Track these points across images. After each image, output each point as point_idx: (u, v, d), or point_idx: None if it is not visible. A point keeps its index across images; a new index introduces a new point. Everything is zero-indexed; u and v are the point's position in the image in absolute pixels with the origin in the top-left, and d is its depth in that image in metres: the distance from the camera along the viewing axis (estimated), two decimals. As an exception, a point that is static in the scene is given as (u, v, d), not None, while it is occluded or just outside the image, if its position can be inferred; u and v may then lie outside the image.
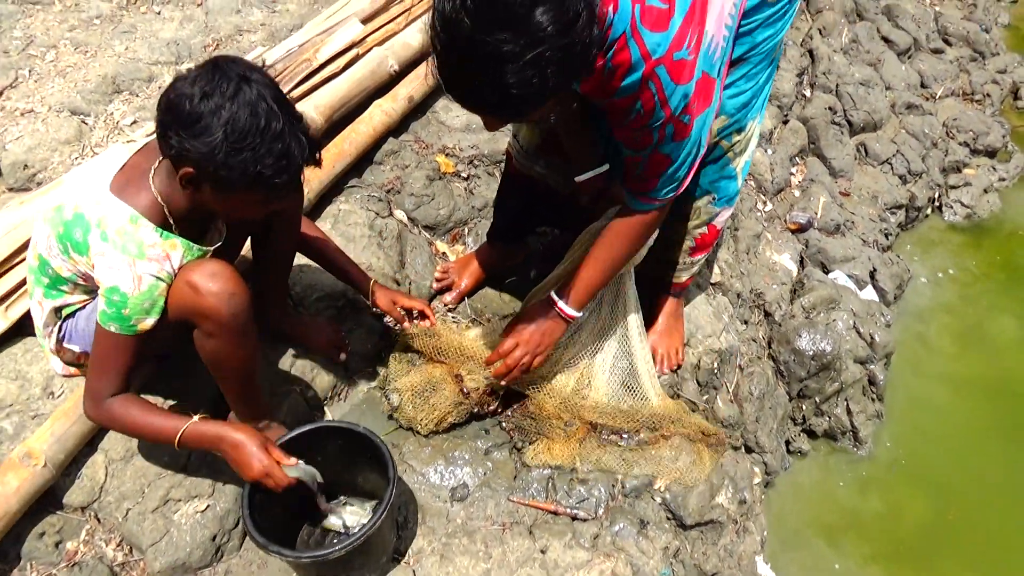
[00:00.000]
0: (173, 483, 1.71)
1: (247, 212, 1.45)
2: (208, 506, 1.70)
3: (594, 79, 1.38)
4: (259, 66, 1.38)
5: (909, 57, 4.07)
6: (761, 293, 2.68)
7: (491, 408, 1.97)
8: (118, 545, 1.68)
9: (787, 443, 2.62)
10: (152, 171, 1.45)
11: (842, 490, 2.58)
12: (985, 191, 3.64)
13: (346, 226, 2.26)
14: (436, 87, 2.71)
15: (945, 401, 2.85)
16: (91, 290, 1.55)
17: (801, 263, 2.91)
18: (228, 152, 1.29)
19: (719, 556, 2.00)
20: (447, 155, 2.58)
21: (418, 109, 2.68)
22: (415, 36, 2.72)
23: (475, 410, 1.95)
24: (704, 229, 2.03)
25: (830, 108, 3.45)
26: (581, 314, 1.79)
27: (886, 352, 2.75)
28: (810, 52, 3.63)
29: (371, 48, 2.65)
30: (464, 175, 2.57)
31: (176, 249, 1.45)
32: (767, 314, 2.66)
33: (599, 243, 1.72)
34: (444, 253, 2.41)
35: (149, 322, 1.44)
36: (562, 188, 2.05)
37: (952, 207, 3.60)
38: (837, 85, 3.57)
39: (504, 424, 1.96)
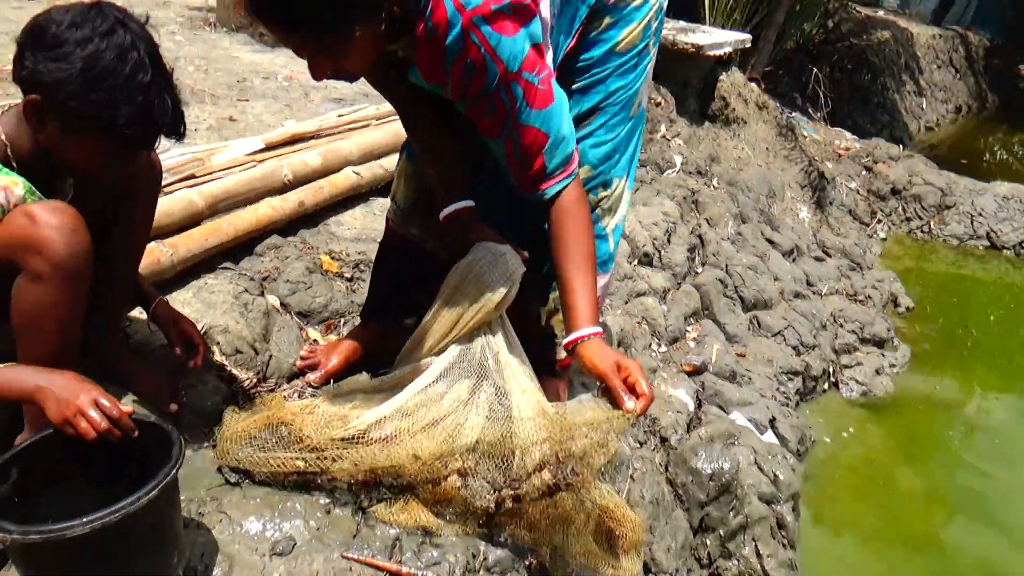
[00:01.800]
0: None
1: (91, 163, 1.35)
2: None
3: (423, 51, 1.44)
4: (142, 20, 1.37)
5: (793, 259, 4.37)
6: (656, 419, 2.53)
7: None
8: None
9: (692, 585, 2.30)
10: (1, 112, 1.37)
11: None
12: (877, 372, 3.71)
13: (208, 294, 2.11)
14: (329, 199, 2.74)
15: (856, 555, 2.63)
16: None
17: (698, 403, 2.80)
18: (82, 86, 1.23)
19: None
20: (332, 257, 2.52)
21: (309, 218, 2.66)
22: (315, 158, 2.80)
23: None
24: (580, 298, 1.96)
25: (720, 281, 3.59)
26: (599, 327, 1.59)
27: (791, 493, 2.56)
28: (699, 237, 3.86)
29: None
30: (348, 276, 2.49)
31: (17, 186, 1.31)
32: (663, 439, 2.49)
33: (558, 254, 1.61)
34: (315, 340, 2.24)
35: None
36: (439, 252, 2.00)
37: (848, 383, 3.63)
38: (726, 265, 3.76)
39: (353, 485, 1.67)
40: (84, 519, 1.08)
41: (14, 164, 1.35)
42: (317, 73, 1.43)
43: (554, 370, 2.05)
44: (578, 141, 1.78)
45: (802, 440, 2.96)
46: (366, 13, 1.31)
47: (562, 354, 2.03)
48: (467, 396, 1.79)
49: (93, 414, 1.23)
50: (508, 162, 1.58)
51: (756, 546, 2.37)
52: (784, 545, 2.45)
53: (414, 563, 1.52)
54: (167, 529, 1.26)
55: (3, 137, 1.35)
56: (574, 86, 1.79)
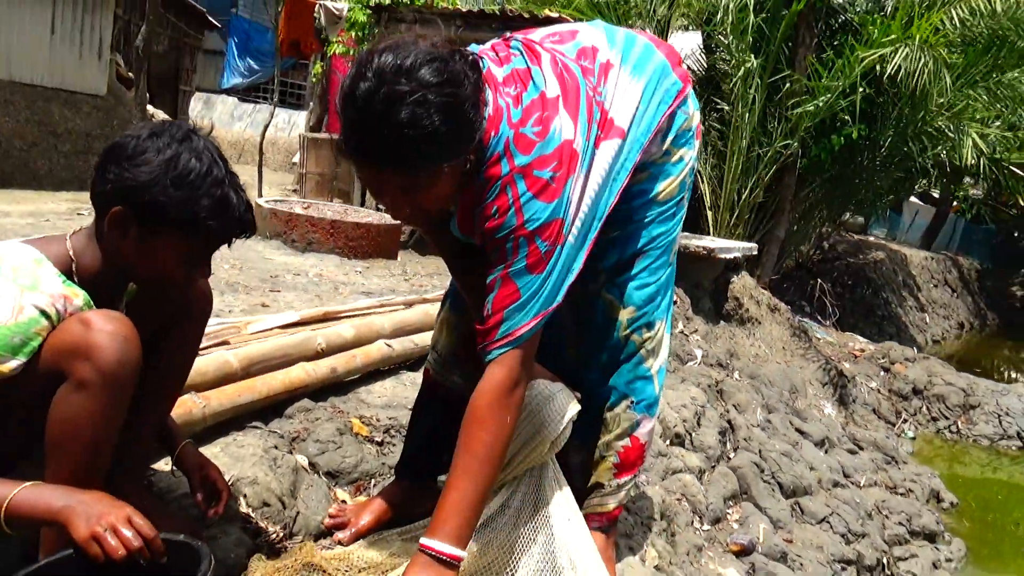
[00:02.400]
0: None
1: (170, 268, 1.39)
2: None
3: (468, 196, 1.55)
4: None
5: (825, 450, 4.23)
6: (708, 598, 2.31)
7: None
8: None
9: None
10: (71, 232, 1.43)
11: None
12: (935, 566, 3.44)
13: (237, 448, 2.04)
14: (361, 368, 2.74)
15: None
16: None
17: (750, 586, 2.58)
18: (166, 184, 1.31)
19: None
20: (363, 421, 2.46)
21: (340, 387, 2.64)
22: (348, 330, 2.83)
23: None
24: (626, 441, 1.90)
25: (756, 465, 3.45)
26: (463, 552, 1.44)
27: None
28: (729, 422, 3.78)
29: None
30: (378, 440, 2.41)
31: (77, 298, 1.35)
32: (718, 619, 2.25)
33: (457, 450, 1.51)
34: (344, 500, 2.12)
35: (11, 365, 1.24)
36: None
37: (905, 578, 3.35)
38: (760, 451, 3.64)
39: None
40: None
41: (76, 279, 1.38)
42: (399, 212, 1.53)
43: (601, 524, 1.91)
44: (623, 283, 1.84)
45: (867, 634, 2.67)
46: (456, 152, 1.41)
47: (610, 506, 1.92)
48: (517, 545, 1.67)
49: (126, 531, 1.15)
50: (486, 294, 1.57)
51: None
52: None
53: None
54: None
55: (71, 253, 1.39)
56: (616, 233, 1.86)
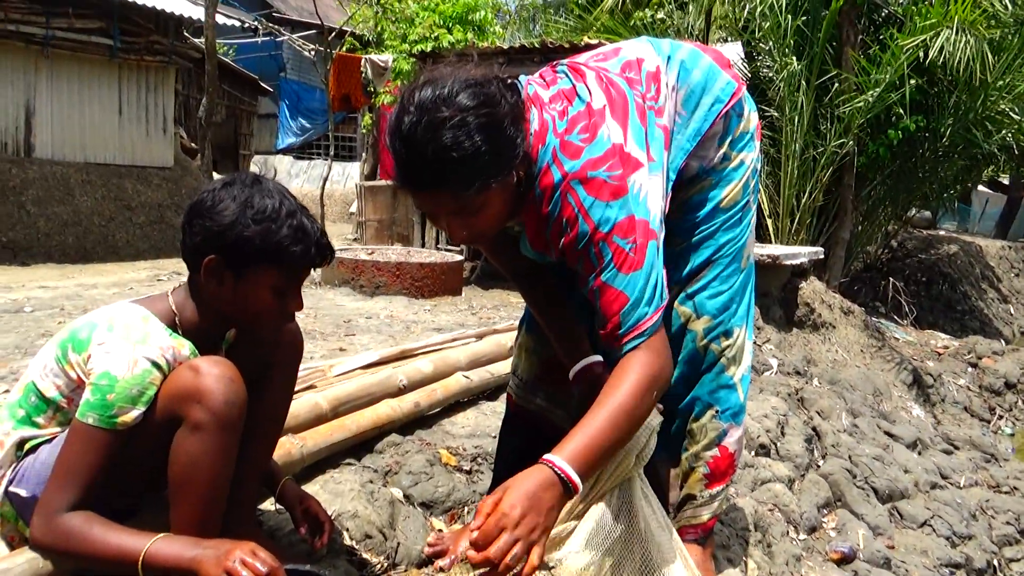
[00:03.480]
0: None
1: (260, 301, 1.47)
2: None
3: (531, 217, 1.60)
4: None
5: (919, 452, 4.09)
6: (814, 607, 2.26)
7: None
8: None
9: None
10: (171, 290, 1.54)
11: None
12: (1051, 564, 3.27)
13: (335, 484, 2.11)
14: (443, 401, 2.80)
15: None
16: (70, 419, 1.46)
17: (855, 594, 2.51)
18: (248, 223, 1.42)
19: None
20: (451, 452, 2.51)
21: (424, 420, 2.71)
22: (427, 365, 2.91)
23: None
24: (715, 451, 1.89)
25: (848, 471, 3.36)
26: (581, 483, 1.39)
27: None
28: (814, 429, 3.70)
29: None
30: (467, 468, 2.46)
31: (184, 348, 1.46)
32: (826, 629, 2.20)
33: (602, 393, 1.50)
34: (440, 529, 2.16)
35: (132, 415, 1.35)
36: (562, 422, 1.99)
37: (1020, 580, 3.19)
38: (850, 456, 3.54)
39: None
40: None
41: (180, 331, 1.49)
42: (456, 235, 1.58)
43: (696, 536, 1.91)
44: (695, 294, 1.85)
45: (986, 637, 2.56)
46: (501, 169, 1.46)
47: (704, 517, 1.91)
48: (616, 562, 1.68)
49: (255, 563, 1.24)
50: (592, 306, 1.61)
51: None
52: None
53: None
54: None
55: (173, 307, 1.51)
56: (683, 244, 1.87)
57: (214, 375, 1.36)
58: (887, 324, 6.50)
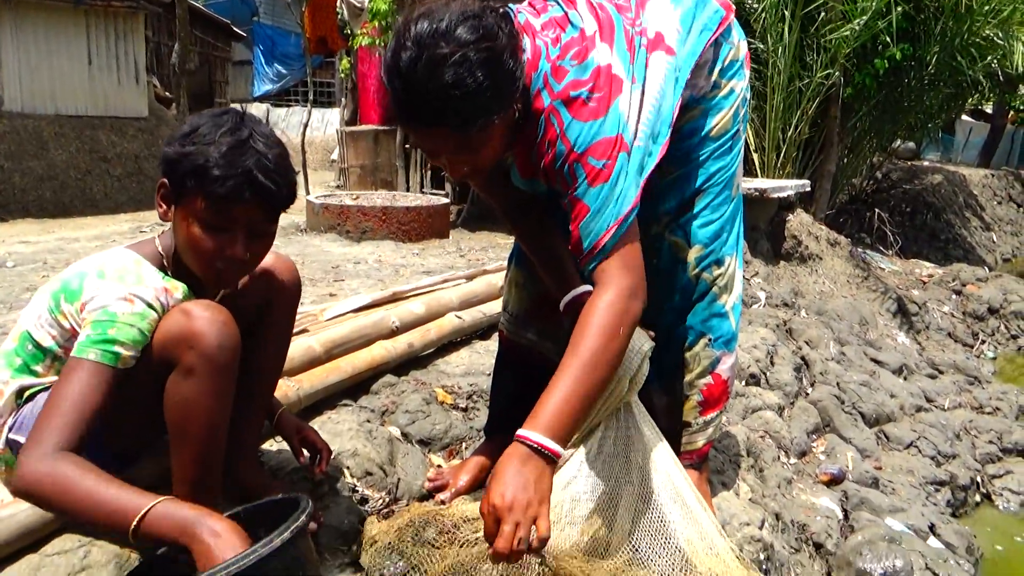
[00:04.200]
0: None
1: (192, 235, 1.38)
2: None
3: (520, 145, 1.58)
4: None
5: (904, 378, 4.16)
6: (805, 525, 2.32)
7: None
8: None
9: None
10: (159, 234, 1.51)
11: None
12: (1032, 479, 3.37)
13: (333, 424, 2.12)
14: (436, 341, 2.81)
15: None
16: None
17: (845, 514, 2.58)
18: (182, 143, 1.36)
19: None
20: (446, 391, 2.53)
21: (418, 361, 2.72)
22: (419, 307, 2.91)
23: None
24: (708, 379, 1.92)
25: (836, 397, 3.42)
26: (564, 449, 1.36)
27: (977, 599, 2.26)
28: (802, 358, 3.75)
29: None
30: (463, 406, 2.48)
31: (177, 291, 1.43)
32: (817, 546, 2.27)
33: (569, 345, 1.44)
34: (439, 465, 2.19)
35: (131, 353, 1.32)
36: (553, 355, 2.00)
37: (1002, 495, 3.29)
38: (838, 383, 3.60)
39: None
40: (220, 565, 1.04)
41: (170, 274, 1.46)
42: (456, 171, 1.55)
43: (692, 461, 1.94)
44: (687, 223, 1.85)
45: (970, 549, 2.65)
46: (503, 104, 1.43)
47: (699, 443, 1.95)
48: (615, 487, 1.71)
49: None
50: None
51: (954, 661, 2.06)
52: (986, 661, 2.12)
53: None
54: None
55: (160, 250, 1.48)
56: (674, 173, 1.86)
57: (205, 318, 1.33)
58: (872, 255, 6.54)
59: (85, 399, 1.26)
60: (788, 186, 5.45)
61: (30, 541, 1.43)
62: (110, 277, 1.36)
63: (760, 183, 5.15)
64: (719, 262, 1.88)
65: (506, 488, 1.28)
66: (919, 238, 8.58)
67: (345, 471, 1.96)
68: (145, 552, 1.37)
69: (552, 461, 1.34)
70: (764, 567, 1.83)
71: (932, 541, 2.53)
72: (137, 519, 1.18)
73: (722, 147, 1.86)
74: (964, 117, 16.84)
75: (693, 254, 1.84)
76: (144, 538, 1.21)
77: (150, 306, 1.35)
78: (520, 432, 1.34)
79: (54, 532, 1.48)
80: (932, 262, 7.59)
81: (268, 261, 1.66)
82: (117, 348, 1.30)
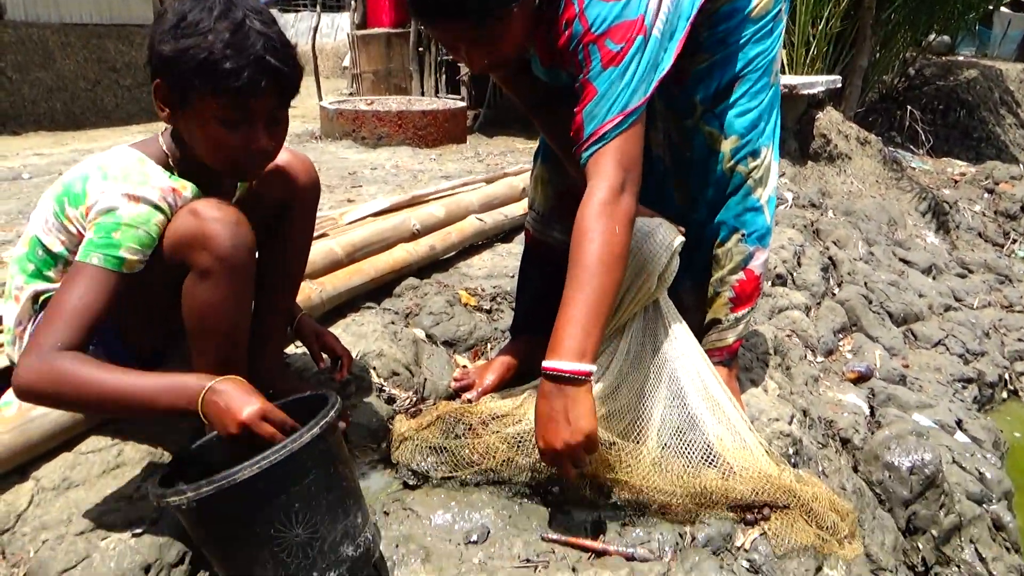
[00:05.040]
0: (110, 508, 1.34)
1: (210, 134, 1.30)
2: (146, 532, 1.31)
3: (541, 31, 1.50)
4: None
5: (933, 277, 4.09)
6: (832, 422, 2.31)
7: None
8: (17, 581, 1.25)
9: (912, 598, 2.01)
10: (163, 131, 1.44)
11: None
12: (1060, 376, 3.34)
13: (357, 327, 2.11)
14: (457, 244, 2.76)
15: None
16: None
17: (871, 410, 2.57)
18: (177, 37, 1.24)
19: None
20: (470, 293, 2.50)
21: (440, 264, 2.69)
22: (439, 209, 2.85)
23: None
24: (740, 275, 1.86)
25: (864, 297, 3.37)
26: (592, 366, 1.32)
27: (1004, 491, 2.26)
28: (830, 259, 3.68)
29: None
30: (487, 308, 2.46)
31: (186, 190, 1.35)
32: (844, 441, 2.26)
33: (567, 268, 1.40)
34: (465, 366, 2.19)
35: (137, 258, 1.26)
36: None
37: (1030, 391, 3.27)
38: (865, 283, 3.54)
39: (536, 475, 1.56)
40: (251, 461, 1.03)
41: (177, 173, 1.39)
42: (475, 63, 1.48)
43: (722, 358, 1.92)
44: (723, 112, 1.75)
45: (996, 443, 2.64)
46: None
47: (729, 340, 1.91)
48: (644, 383, 1.69)
49: (268, 428, 1.14)
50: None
51: (976, 549, 2.07)
52: (1008, 549, 2.14)
53: (620, 542, 1.39)
54: (339, 480, 1.15)
55: (165, 149, 1.39)
56: (710, 58, 1.76)
57: (216, 218, 1.27)
58: (903, 154, 6.33)
59: (87, 304, 1.22)
60: (818, 82, 5.23)
61: (63, 439, 1.45)
62: (114, 177, 1.30)
63: (789, 79, 4.94)
64: (755, 153, 1.79)
65: (546, 431, 1.31)
66: (951, 136, 8.27)
67: (371, 371, 1.95)
68: (177, 449, 1.37)
69: (584, 381, 1.31)
70: (793, 461, 1.83)
71: (959, 436, 2.52)
72: (147, 398, 1.17)
73: (763, 29, 1.75)
74: (1003, 9, 15.97)
75: (728, 145, 1.76)
76: (158, 413, 1.22)
77: (157, 207, 1.29)
78: (544, 364, 1.32)
79: (87, 431, 1.50)
80: (964, 161, 7.35)
81: (284, 159, 1.60)
82: (122, 252, 1.25)
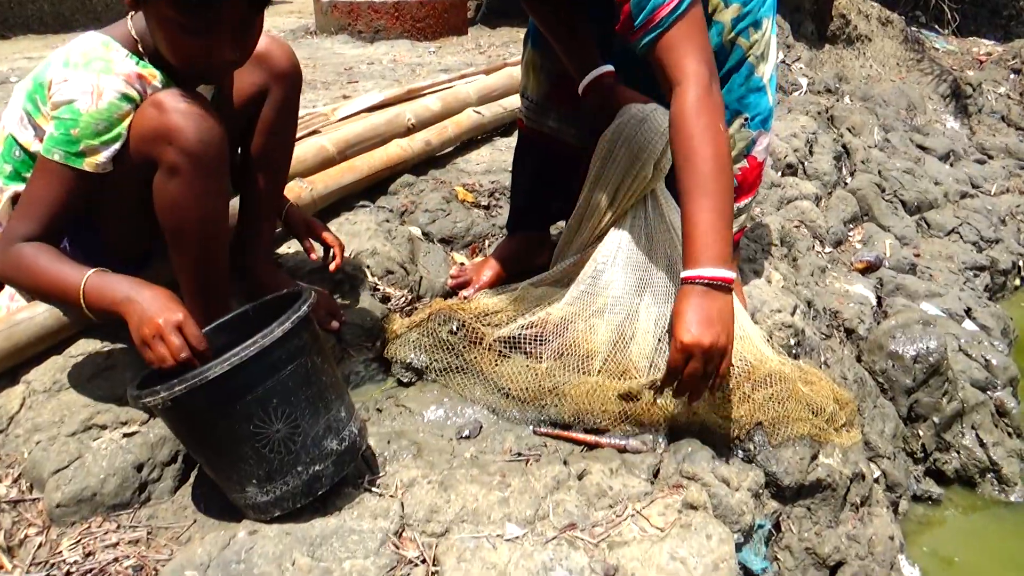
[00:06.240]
0: (101, 409, 1.34)
1: (172, 40, 1.21)
2: (138, 432, 1.31)
3: None
4: None
5: (951, 164, 3.96)
6: (838, 312, 2.28)
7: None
8: (14, 481, 1.27)
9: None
10: (130, 14, 1.33)
11: (995, 536, 1.94)
12: (1076, 262, 3.27)
13: (351, 225, 2.06)
14: (454, 139, 2.68)
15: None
16: None
17: (879, 300, 2.53)
18: None
19: (840, 540, 1.42)
20: (467, 189, 2.44)
21: (437, 160, 2.61)
22: (435, 102, 2.75)
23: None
24: (743, 163, 1.78)
25: (877, 185, 3.27)
26: (731, 272, 1.28)
27: (1009, 378, 2.24)
28: (844, 147, 3.55)
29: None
30: (484, 204, 2.40)
31: (156, 79, 1.26)
32: (848, 331, 2.24)
33: (678, 178, 1.34)
34: (462, 263, 2.15)
35: (102, 155, 1.20)
36: (576, 141, 1.87)
37: (1043, 278, 3.21)
38: (879, 171, 3.43)
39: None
40: (222, 358, 1.00)
41: (146, 60, 1.30)
42: None
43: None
44: None
45: (1005, 331, 2.61)
46: None
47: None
48: (638, 281, 1.64)
49: (175, 340, 1.11)
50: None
51: (977, 434, 2.07)
52: (1010, 434, 2.14)
53: (612, 435, 1.38)
54: (318, 374, 1.13)
55: (133, 33, 1.29)
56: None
57: (181, 111, 1.19)
58: (927, 34, 6.02)
59: (51, 200, 1.21)
60: (838, -43, 4.92)
61: (52, 343, 1.44)
62: (74, 64, 1.22)
63: (807, -46, 4.64)
64: (756, 24, 1.68)
65: (695, 327, 1.24)
66: (979, 16, 7.84)
67: (365, 270, 1.92)
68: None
69: (728, 289, 1.28)
70: (794, 352, 1.81)
71: (967, 324, 2.49)
72: (80, 295, 1.17)
73: None
74: None
75: (729, 15, 1.64)
76: (97, 313, 1.20)
77: (124, 96, 1.22)
78: (685, 274, 1.28)
79: (76, 335, 1.49)
80: (991, 40, 6.99)
81: (262, 45, 1.50)
82: (81, 149, 1.19)
